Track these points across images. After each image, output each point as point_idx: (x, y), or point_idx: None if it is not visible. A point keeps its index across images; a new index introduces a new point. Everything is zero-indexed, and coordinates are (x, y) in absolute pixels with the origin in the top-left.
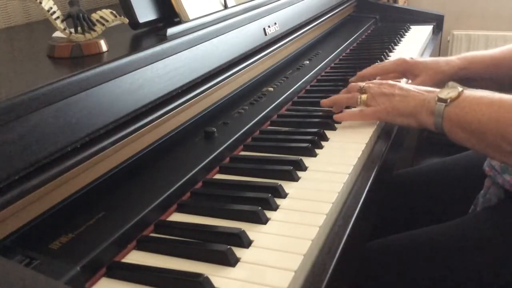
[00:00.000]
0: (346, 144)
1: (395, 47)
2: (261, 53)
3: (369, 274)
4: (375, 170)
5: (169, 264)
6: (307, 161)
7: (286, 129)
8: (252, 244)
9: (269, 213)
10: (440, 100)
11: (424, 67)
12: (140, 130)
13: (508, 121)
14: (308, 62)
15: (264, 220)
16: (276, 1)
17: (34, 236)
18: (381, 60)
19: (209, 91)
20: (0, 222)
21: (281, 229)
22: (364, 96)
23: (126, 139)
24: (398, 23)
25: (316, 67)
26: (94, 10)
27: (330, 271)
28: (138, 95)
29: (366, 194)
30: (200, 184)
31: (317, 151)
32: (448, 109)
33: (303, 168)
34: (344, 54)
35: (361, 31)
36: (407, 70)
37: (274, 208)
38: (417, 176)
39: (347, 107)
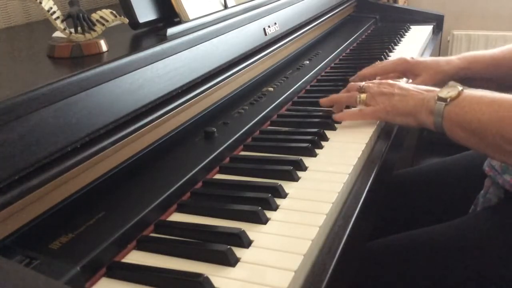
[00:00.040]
0: (346, 144)
1: (395, 47)
2: (261, 53)
3: (369, 274)
4: (375, 170)
5: (169, 264)
6: (307, 161)
7: (286, 129)
8: (252, 244)
9: (269, 213)
10: (440, 99)
11: (425, 66)
12: (140, 130)
13: (508, 120)
14: (308, 62)
15: (264, 220)
16: (276, 1)
17: (34, 236)
18: (381, 60)
19: (209, 91)
20: (0, 222)
21: (281, 229)
22: (363, 96)
23: (126, 139)
24: (398, 23)
25: (316, 67)
26: (94, 10)
27: (330, 271)
28: (138, 95)
29: (366, 194)
30: (200, 184)
31: (317, 151)
32: (448, 108)
33: (303, 168)
34: (344, 54)
35: (361, 31)
36: (407, 69)
37: (274, 208)
38: (417, 176)
39: (347, 107)
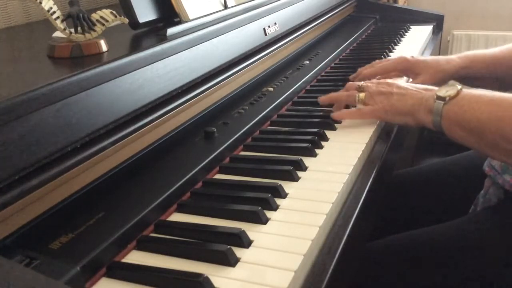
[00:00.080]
0: (346, 144)
1: (395, 47)
2: (261, 53)
3: (369, 274)
4: (375, 170)
5: (169, 264)
6: (307, 161)
7: (286, 129)
8: (252, 244)
9: (269, 213)
10: (439, 98)
11: (425, 66)
12: (140, 130)
13: (507, 119)
14: (308, 62)
15: (264, 220)
16: (276, 1)
17: (34, 236)
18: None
19: (209, 91)
20: (0, 222)
21: (281, 229)
22: (362, 95)
23: (126, 139)
24: (398, 23)
25: (316, 67)
26: (94, 10)
27: (330, 271)
28: (138, 95)
29: (366, 194)
30: (200, 184)
31: (317, 151)
32: (446, 107)
33: (303, 168)
34: (344, 54)
35: (361, 31)
36: (407, 68)
37: (274, 208)
38: (417, 176)
39: (346, 106)
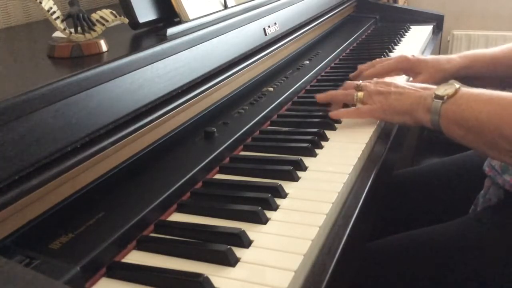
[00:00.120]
0: (346, 144)
1: (395, 47)
2: (261, 53)
3: (369, 274)
4: (375, 170)
5: (169, 264)
6: (307, 161)
7: (286, 129)
8: (252, 244)
9: (269, 213)
10: (437, 97)
11: (426, 65)
12: (140, 130)
13: (506, 119)
14: (308, 62)
15: (264, 220)
16: (276, 1)
17: (34, 236)
18: None
19: (209, 91)
20: (0, 222)
21: (281, 229)
22: (360, 94)
23: (126, 139)
24: (398, 23)
25: (316, 67)
26: (94, 10)
27: (330, 271)
28: (138, 95)
29: (366, 194)
30: (200, 184)
31: (317, 151)
32: (445, 106)
33: (303, 168)
34: (344, 54)
35: (361, 31)
36: (408, 68)
37: (274, 208)
38: (417, 176)
39: (344, 105)
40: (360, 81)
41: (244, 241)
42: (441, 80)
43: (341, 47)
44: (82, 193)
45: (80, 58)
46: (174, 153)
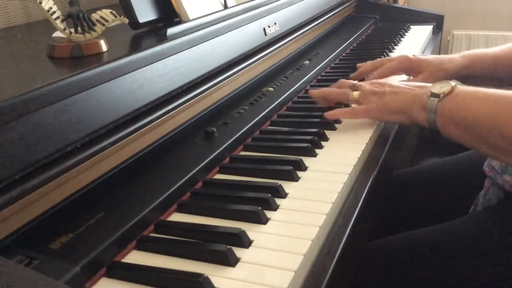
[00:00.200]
0: (346, 144)
1: (395, 47)
2: (261, 53)
3: (369, 274)
4: (375, 170)
5: (169, 264)
6: (307, 161)
7: (286, 129)
8: (252, 244)
9: (269, 213)
10: (433, 95)
11: (427, 64)
12: (140, 130)
13: (503, 116)
14: (308, 62)
15: (264, 220)
16: (276, 1)
17: (34, 236)
18: None
19: (209, 91)
20: (0, 222)
21: (281, 229)
22: (356, 94)
23: (126, 139)
24: (398, 23)
25: (316, 67)
26: (94, 10)
27: (330, 271)
28: (138, 95)
29: (366, 194)
30: (200, 184)
31: (317, 151)
32: (441, 104)
33: (303, 168)
34: (344, 54)
35: (361, 31)
36: (410, 67)
37: (274, 208)
38: (417, 176)
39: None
40: (356, 81)
41: (244, 241)
42: (441, 79)
43: (341, 47)
44: (82, 193)
45: (80, 58)
46: (174, 153)
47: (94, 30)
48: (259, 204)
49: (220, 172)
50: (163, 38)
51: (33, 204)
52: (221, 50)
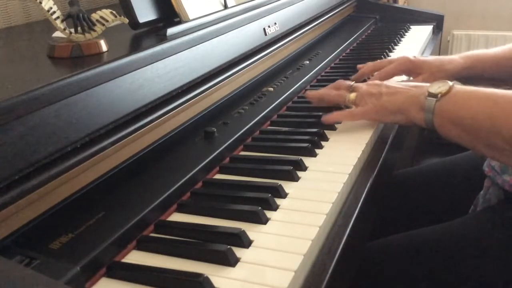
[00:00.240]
0: (346, 144)
1: (395, 47)
2: (261, 53)
3: (369, 274)
4: (375, 170)
5: (169, 264)
6: (307, 161)
7: (286, 129)
8: (252, 244)
9: (269, 213)
10: (430, 95)
11: (428, 65)
12: (140, 130)
13: (503, 116)
14: (308, 62)
15: (264, 220)
16: (276, 1)
17: (34, 236)
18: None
19: (209, 91)
20: (0, 222)
21: (281, 229)
22: (353, 95)
23: (126, 139)
24: (398, 23)
25: (316, 67)
26: (94, 10)
27: (330, 271)
28: (138, 95)
29: (366, 194)
30: (200, 184)
31: (317, 151)
32: (439, 104)
33: (303, 168)
34: (344, 54)
35: (361, 31)
36: (410, 69)
37: (274, 208)
38: (417, 176)
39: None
40: (353, 82)
41: (244, 241)
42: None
43: (341, 47)
44: (82, 193)
45: (80, 58)
46: (174, 153)
47: (94, 30)
48: (259, 204)
49: (220, 172)
50: (163, 38)
51: (33, 204)
52: (221, 50)
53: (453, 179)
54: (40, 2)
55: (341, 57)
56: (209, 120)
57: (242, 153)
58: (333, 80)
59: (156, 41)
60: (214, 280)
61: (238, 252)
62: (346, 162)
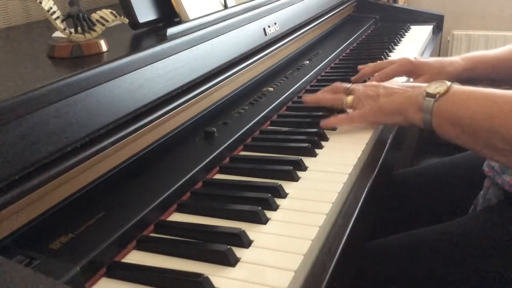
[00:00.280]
0: (346, 144)
1: (395, 47)
2: (261, 53)
3: (369, 274)
4: (375, 170)
5: (169, 264)
6: (307, 161)
7: (286, 129)
8: (252, 244)
9: (269, 213)
10: (429, 95)
11: (429, 67)
12: (140, 130)
13: (502, 116)
14: (308, 62)
15: (264, 220)
16: (276, 1)
17: (34, 236)
18: (381, 60)
19: (209, 91)
20: (0, 222)
21: (281, 229)
22: (350, 98)
23: (126, 139)
24: (398, 23)
25: (316, 67)
26: (94, 10)
27: (330, 271)
28: (138, 95)
29: (366, 194)
30: (200, 184)
31: (317, 151)
32: (437, 104)
33: (303, 168)
34: (344, 54)
35: (361, 31)
36: (411, 70)
37: (274, 208)
38: (417, 176)
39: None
40: (350, 84)
41: (244, 241)
42: None
43: (341, 47)
44: (82, 193)
45: (80, 58)
46: (174, 153)
47: (94, 30)
48: (259, 204)
49: (220, 172)
50: (163, 38)
51: (33, 204)
52: (221, 50)
53: (453, 179)
54: (40, 2)
55: (341, 57)
56: (209, 120)
57: (242, 153)
58: (333, 80)
59: (156, 41)
60: (214, 280)
61: (238, 252)
62: (346, 162)
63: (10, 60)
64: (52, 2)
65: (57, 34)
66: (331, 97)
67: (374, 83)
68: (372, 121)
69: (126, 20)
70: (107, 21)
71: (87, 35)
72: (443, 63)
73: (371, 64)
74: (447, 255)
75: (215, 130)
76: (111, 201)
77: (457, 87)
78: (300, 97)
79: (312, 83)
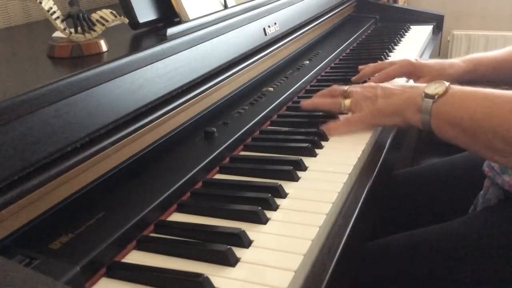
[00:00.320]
0: (346, 144)
1: (395, 47)
2: (261, 53)
3: (369, 274)
4: (375, 170)
5: (169, 264)
6: (307, 161)
7: (286, 129)
8: (252, 244)
9: (269, 213)
10: (427, 96)
11: (429, 69)
12: (140, 130)
13: (501, 117)
14: (308, 62)
15: (264, 220)
16: (276, 1)
17: (34, 236)
18: (381, 61)
19: (209, 91)
20: (0, 222)
21: (281, 229)
22: (348, 102)
23: (126, 139)
24: (398, 23)
25: (316, 67)
26: (94, 10)
27: (330, 271)
28: (138, 95)
29: (366, 194)
30: (200, 184)
31: (317, 151)
32: (436, 105)
33: (303, 168)
34: (344, 54)
35: (361, 31)
36: (411, 72)
37: (274, 208)
38: (417, 176)
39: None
40: (347, 87)
41: (244, 241)
42: None
43: (341, 47)
44: (82, 193)
45: (80, 58)
46: (174, 153)
47: (94, 30)
48: (259, 204)
49: (220, 172)
50: (163, 38)
51: (33, 204)
52: (221, 50)
53: (453, 179)
54: (40, 2)
55: (341, 57)
56: (209, 120)
57: (242, 153)
58: (333, 80)
59: (156, 41)
60: (214, 280)
61: (238, 252)
62: (346, 162)
63: (10, 60)
64: (52, 2)
65: (57, 34)
66: (329, 101)
67: (372, 84)
68: (371, 124)
69: (126, 20)
70: (107, 21)
71: (87, 35)
72: (443, 65)
73: (371, 65)
74: (447, 255)
75: (215, 130)
76: (111, 201)
77: (456, 87)
78: (300, 97)
79: (312, 83)
